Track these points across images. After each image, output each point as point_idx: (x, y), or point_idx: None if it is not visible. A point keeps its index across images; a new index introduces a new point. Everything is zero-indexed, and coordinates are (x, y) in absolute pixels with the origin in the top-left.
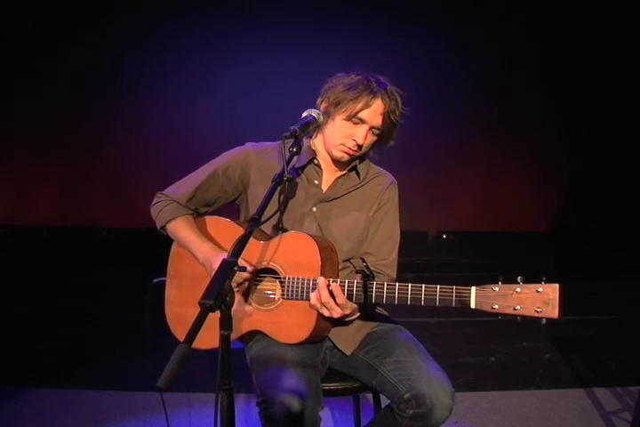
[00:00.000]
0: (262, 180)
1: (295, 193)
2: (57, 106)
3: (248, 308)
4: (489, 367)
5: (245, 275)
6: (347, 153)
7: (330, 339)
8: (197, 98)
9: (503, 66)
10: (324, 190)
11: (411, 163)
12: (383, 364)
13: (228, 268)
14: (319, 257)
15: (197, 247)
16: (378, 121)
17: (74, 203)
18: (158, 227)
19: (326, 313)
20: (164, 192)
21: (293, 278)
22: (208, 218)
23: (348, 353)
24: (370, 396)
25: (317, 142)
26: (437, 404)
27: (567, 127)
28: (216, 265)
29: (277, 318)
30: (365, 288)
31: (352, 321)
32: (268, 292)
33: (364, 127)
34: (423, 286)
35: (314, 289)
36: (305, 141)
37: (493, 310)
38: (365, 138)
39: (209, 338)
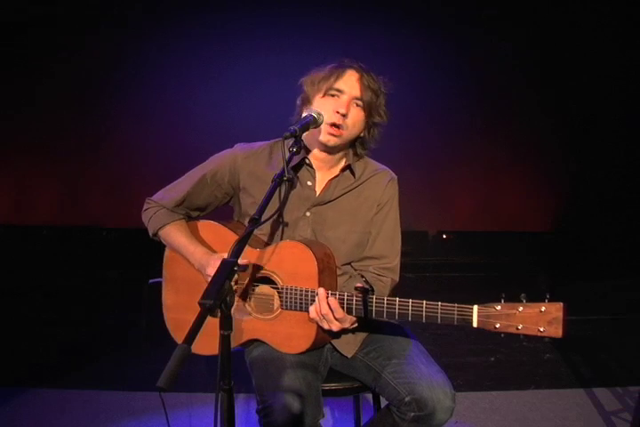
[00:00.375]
0: (253, 184)
1: (289, 196)
2: (57, 106)
3: (248, 317)
4: (489, 367)
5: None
6: (333, 134)
7: (330, 342)
8: (198, 98)
9: (503, 66)
10: (318, 193)
11: (411, 163)
12: (383, 366)
13: (228, 268)
14: (316, 267)
15: (191, 253)
16: (356, 90)
17: (74, 203)
18: (150, 234)
19: (325, 326)
20: (154, 198)
21: (291, 289)
22: (200, 222)
23: (349, 356)
24: (370, 396)
25: (307, 138)
26: (439, 407)
27: (567, 127)
28: (210, 270)
29: (277, 328)
30: (365, 303)
31: None
32: (267, 301)
33: (344, 97)
34: (424, 302)
35: (312, 300)
36: None
37: (496, 330)
38: (348, 106)
39: (208, 344)
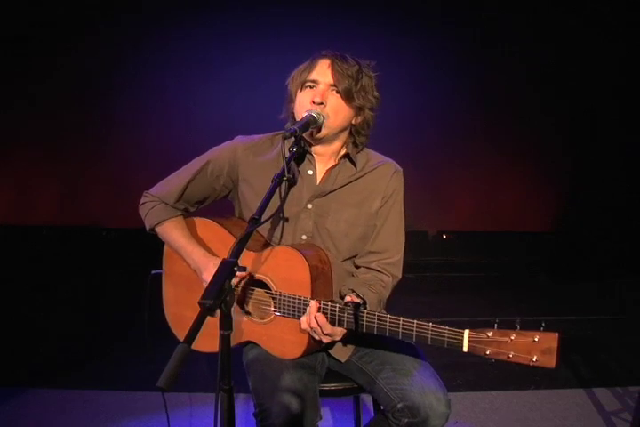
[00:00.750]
0: (252, 176)
1: (289, 193)
2: (57, 106)
3: (245, 319)
4: (489, 367)
5: (236, 280)
6: None
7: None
8: (198, 98)
9: (504, 66)
10: (318, 182)
11: (411, 163)
12: (377, 372)
13: (228, 268)
14: (309, 275)
15: (188, 254)
16: (329, 76)
17: (74, 203)
18: (147, 229)
19: (316, 337)
20: (152, 192)
21: (285, 296)
22: (197, 220)
23: (343, 360)
24: (369, 397)
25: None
26: (432, 414)
27: (568, 127)
28: (206, 275)
29: (272, 333)
30: (357, 317)
31: None
32: (263, 305)
33: (320, 86)
34: (415, 322)
35: (305, 309)
36: None
37: (487, 356)
38: (323, 95)
39: (208, 343)
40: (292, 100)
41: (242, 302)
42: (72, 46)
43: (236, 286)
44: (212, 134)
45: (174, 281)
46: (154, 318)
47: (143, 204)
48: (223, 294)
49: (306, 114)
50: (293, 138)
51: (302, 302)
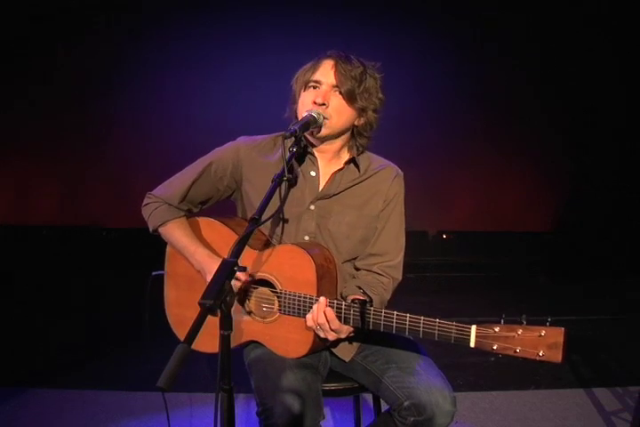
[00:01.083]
0: (255, 176)
1: (290, 192)
2: (57, 106)
3: (247, 318)
4: (489, 367)
5: (239, 283)
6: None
7: (328, 347)
8: (198, 98)
9: (504, 65)
10: (322, 186)
11: (410, 162)
12: (381, 370)
13: (228, 268)
14: (315, 274)
15: (191, 254)
16: (332, 77)
17: (74, 203)
18: (150, 230)
19: (322, 335)
20: (155, 193)
21: (290, 294)
22: (201, 220)
23: (347, 360)
24: (370, 397)
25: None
26: (438, 411)
27: (568, 127)
28: (210, 276)
29: (275, 332)
30: (363, 315)
31: None
32: (266, 303)
33: (323, 87)
34: (422, 318)
35: (310, 307)
36: None
37: (493, 351)
38: (325, 96)
39: (209, 342)
40: (295, 100)
41: (244, 302)
42: (72, 46)
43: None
44: (212, 134)
45: (176, 282)
46: (154, 318)
47: (146, 205)
48: (223, 294)
49: (306, 114)
50: (294, 138)
51: (308, 300)
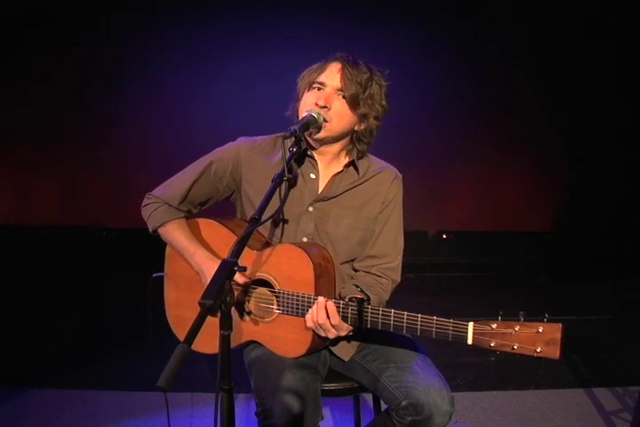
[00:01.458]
0: (255, 177)
1: (290, 193)
2: (57, 106)
3: (246, 318)
4: (489, 367)
5: (241, 280)
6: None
7: (327, 346)
8: (198, 98)
9: (504, 65)
10: (321, 189)
11: (410, 162)
12: (380, 369)
13: (228, 268)
14: (313, 273)
15: (191, 255)
16: (337, 80)
17: (74, 203)
18: (150, 230)
19: (322, 334)
20: (154, 193)
21: (288, 294)
22: (200, 221)
23: (347, 359)
24: (370, 397)
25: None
26: (436, 411)
27: (568, 127)
28: (209, 277)
29: (274, 332)
30: (361, 313)
31: None
32: (265, 303)
33: (327, 89)
34: (419, 316)
35: (309, 307)
36: None
37: (491, 348)
38: (328, 99)
39: (209, 343)
40: (298, 99)
41: (243, 302)
42: (72, 46)
43: (239, 285)
44: (212, 134)
45: (176, 283)
46: (154, 319)
47: (146, 205)
48: (223, 294)
49: (306, 114)
50: (294, 138)
51: (306, 299)
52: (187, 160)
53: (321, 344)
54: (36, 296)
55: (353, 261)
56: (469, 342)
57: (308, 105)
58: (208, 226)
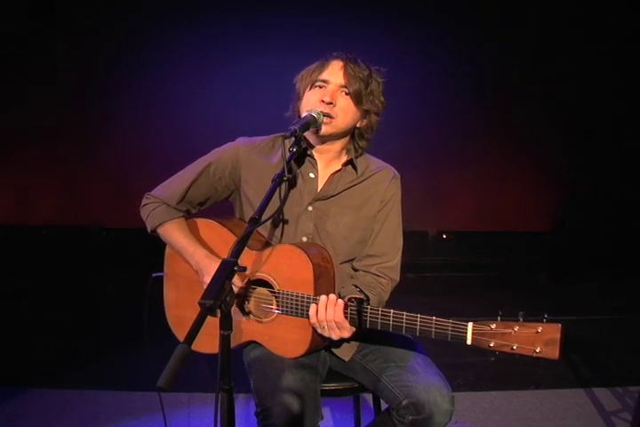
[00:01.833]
0: (254, 177)
1: (290, 193)
2: (57, 106)
3: (246, 319)
4: (489, 367)
5: (239, 283)
6: (324, 123)
7: (327, 346)
8: (198, 98)
9: (503, 66)
10: (320, 188)
11: (411, 162)
12: (380, 369)
13: (228, 268)
14: (312, 273)
15: (190, 255)
16: (340, 78)
17: (74, 203)
18: (148, 230)
19: (325, 334)
20: (153, 193)
21: (288, 294)
22: (199, 221)
23: (347, 359)
24: (370, 397)
25: (308, 133)
26: (436, 410)
27: (567, 128)
28: (207, 278)
29: (274, 332)
30: (360, 313)
31: None
32: (265, 303)
33: (330, 86)
34: (418, 316)
35: (308, 307)
36: None
37: (490, 348)
38: (333, 95)
39: (209, 343)
40: (299, 99)
41: (243, 302)
42: (72, 46)
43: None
44: (212, 134)
45: (176, 283)
46: (154, 319)
47: (145, 205)
48: (223, 294)
49: (306, 114)
50: (294, 138)
51: (306, 299)
52: (186, 160)
53: (320, 344)
54: (36, 296)
55: (353, 260)
56: (468, 342)
57: (311, 103)
58: (207, 226)
